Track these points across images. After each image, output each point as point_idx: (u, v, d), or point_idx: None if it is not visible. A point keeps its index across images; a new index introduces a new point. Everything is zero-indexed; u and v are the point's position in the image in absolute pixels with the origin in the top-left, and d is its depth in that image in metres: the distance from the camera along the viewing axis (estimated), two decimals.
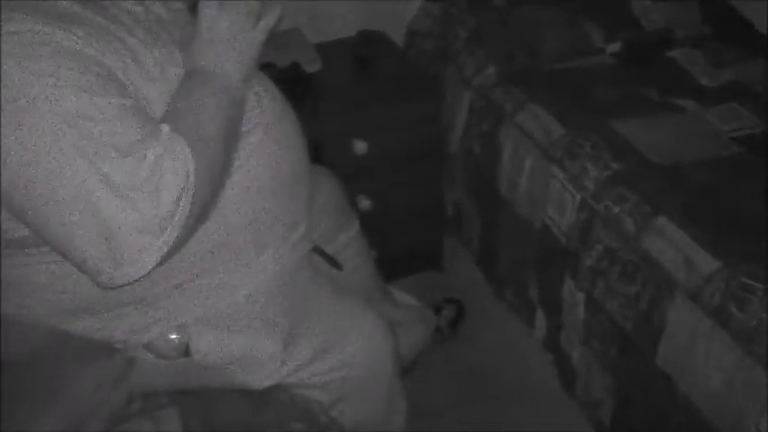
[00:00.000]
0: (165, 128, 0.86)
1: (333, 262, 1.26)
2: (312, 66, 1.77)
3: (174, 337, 1.03)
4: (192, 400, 1.05)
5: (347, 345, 1.13)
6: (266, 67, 1.58)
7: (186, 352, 1.03)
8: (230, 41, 0.95)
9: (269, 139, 1.05)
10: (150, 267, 0.85)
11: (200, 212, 0.91)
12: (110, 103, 0.82)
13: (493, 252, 1.77)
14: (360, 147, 1.70)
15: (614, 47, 1.80)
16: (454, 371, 1.69)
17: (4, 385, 0.88)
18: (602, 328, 1.41)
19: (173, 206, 0.84)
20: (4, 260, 0.94)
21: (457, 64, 1.85)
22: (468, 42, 1.85)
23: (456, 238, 1.95)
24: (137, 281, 0.86)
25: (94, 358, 0.97)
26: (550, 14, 1.84)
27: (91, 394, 0.93)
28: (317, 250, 1.23)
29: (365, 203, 1.75)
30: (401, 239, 1.81)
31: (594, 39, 1.81)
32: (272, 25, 0.99)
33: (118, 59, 0.86)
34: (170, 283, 0.99)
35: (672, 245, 1.27)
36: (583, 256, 1.42)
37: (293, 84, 1.63)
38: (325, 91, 1.73)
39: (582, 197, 1.43)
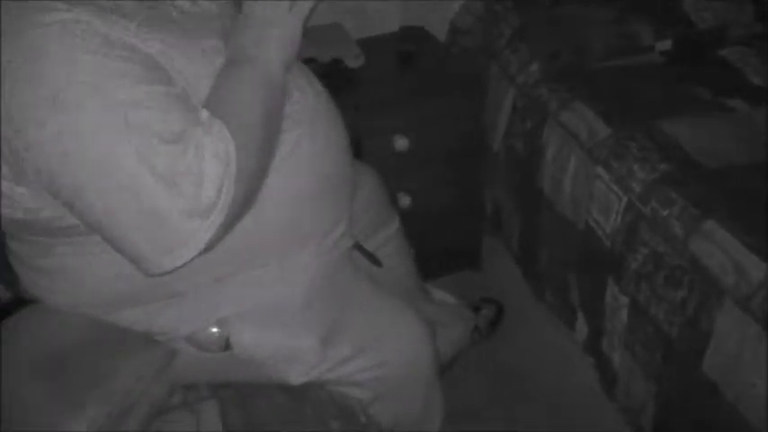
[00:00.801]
0: (204, 113, 0.86)
1: (373, 259, 1.26)
2: (354, 61, 1.77)
3: (214, 330, 1.04)
4: (231, 393, 1.06)
5: (386, 343, 1.13)
6: (308, 62, 1.58)
7: (227, 346, 1.04)
8: (266, 25, 0.94)
9: (312, 136, 1.04)
10: (196, 252, 0.86)
11: (246, 198, 0.90)
12: (154, 91, 0.83)
13: (533, 252, 1.75)
14: (401, 143, 1.69)
15: (664, 45, 1.76)
16: (492, 371, 1.67)
17: (50, 373, 0.90)
18: (645, 334, 1.38)
19: (216, 190, 0.84)
20: (51, 249, 0.96)
21: (500, 61, 1.83)
22: (512, 39, 1.83)
23: (495, 237, 1.93)
24: (182, 266, 0.87)
25: (137, 349, 0.99)
26: (598, 12, 1.80)
27: (133, 385, 0.94)
28: (358, 247, 1.23)
29: (405, 200, 1.74)
30: (440, 237, 1.80)
31: (643, 37, 1.77)
32: (309, 8, 0.98)
33: (164, 49, 0.87)
34: (211, 276, 1.00)
35: (721, 249, 1.23)
36: (628, 259, 1.39)
37: (335, 79, 1.62)
38: (366, 87, 1.73)
39: (628, 199, 1.40)
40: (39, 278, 1.01)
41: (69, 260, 0.97)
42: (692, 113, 1.54)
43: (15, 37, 0.79)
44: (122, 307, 1.01)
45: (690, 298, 1.26)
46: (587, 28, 1.76)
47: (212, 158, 0.84)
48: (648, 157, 1.42)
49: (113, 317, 1.01)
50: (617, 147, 1.47)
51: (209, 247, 0.86)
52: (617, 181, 1.43)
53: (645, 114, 1.53)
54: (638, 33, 1.78)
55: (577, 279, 1.58)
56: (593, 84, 1.64)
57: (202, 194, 0.83)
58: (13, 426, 0.82)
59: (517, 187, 1.78)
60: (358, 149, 1.48)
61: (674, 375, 1.33)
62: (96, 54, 0.80)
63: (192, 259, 0.86)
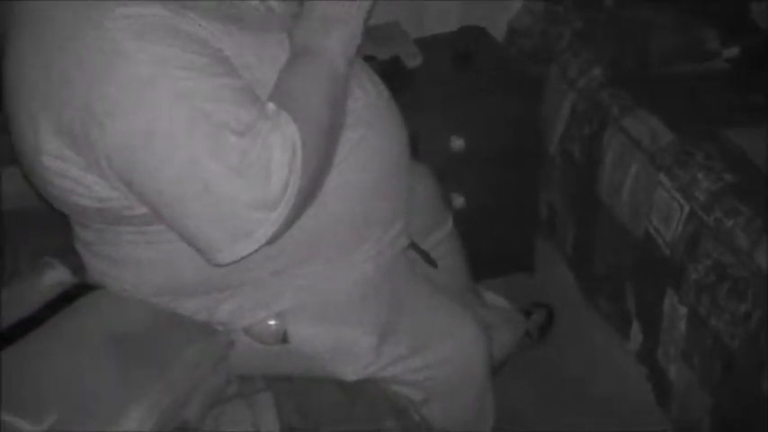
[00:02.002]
0: (271, 106, 0.87)
1: (429, 259, 1.26)
2: (412, 60, 1.76)
3: (273, 323, 1.05)
4: (286, 386, 1.07)
5: (442, 344, 1.12)
6: (367, 60, 1.59)
7: (284, 339, 1.05)
8: (328, 18, 0.95)
9: (373, 134, 1.05)
10: (261, 243, 0.87)
11: (310, 190, 0.91)
12: (223, 84, 0.84)
13: (588, 258, 1.72)
14: (457, 143, 1.68)
15: (731, 52, 1.71)
16: (541, 376, 1.65)
17: (113, 357, 0.91)
18: (704, 346, 1.34)
19: (284, 182, 0.85)
20: (118, 237, 0.98)
21: (560, 64, 1.80)
22: (572, 42, 1.80)
23: (548, 241, 1.91)
24: (247, 257, 0.88)
25: (197, 338, 1.00)
26: (662, 16, 1.77)
27: (193, 372, 0.95)
28: (414, 247, 1.23)
29: (459, 201, 1.73)
30: (493, 239, 1.78)
31: (709, 43, 1.73)
32: (370, 4, 0.98)
33: (232, 44, 0.88)
34: (270, 270, 1.01)
35: None
36: (688, 268, 1.36)
37: (393, 78, 1.62)
38: (424, 86, 1.73)
39: (691, 208, 1.37)
40: (104, 265, 1.04)
41: (135, 249, 0.99)
42: (760, 123, 1.50)
43: (92, 28, 0.81)
44: (184, 296, 1.03)
45: (753, 311, 1.23)
46: (651, 32, 1.73)
47: (280, 151, 0.85)
48: (713, 166, 1.39)
49: (175, 305, 1.03)
50: (681, 154, 1.44)
51: (273, 239, 0.87)
52: (680, 189, 1.40)
53: (710, 122, 1.50)
54: (704, 39, 1.74)
55: (634, 287, 1.55)
56: (656, 89, 1.61)
57: (270, 187, 0.84)
58: (71, 405, 0.83)
59: (573, 192, 1.76)
60: (414, 149, 1.47)
61: (733, 390, 1.30)
62: (169, 47, 0.82)
63: (257, 250, 0.87)
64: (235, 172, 0.82)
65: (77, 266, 1.10)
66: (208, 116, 0.82)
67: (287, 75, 0.92)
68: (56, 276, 1.05)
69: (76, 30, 0.82)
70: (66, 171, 0.88)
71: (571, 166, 1.74)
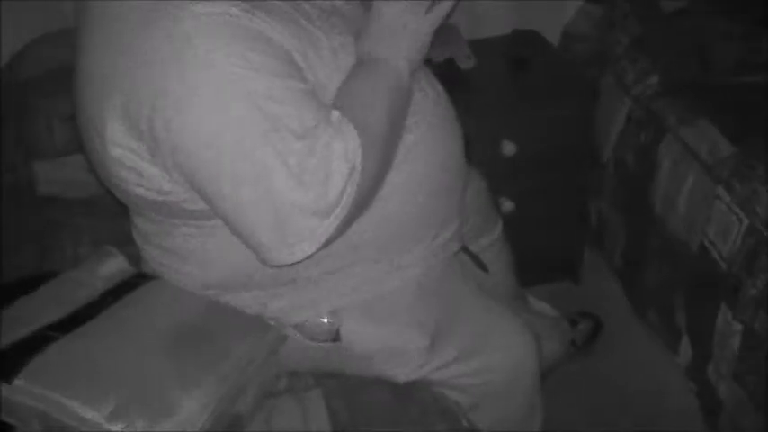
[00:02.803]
0: (336, 113, 0.87)
1: (480, 263, 1.25)
2: (466, 62, 1.75)
3: (325, 320, 1.05)
4: (335, 384, 1.07)
5: (492, 350, 1.12)
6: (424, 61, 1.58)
7: (336, 337, 1.05)
8: (397, 28, 0.95)
9: (431, 137, 1.05)
10: (315, 249, 0.87)
11: (365, 199, 0.92)
12: (290, 86, 0.85)
13: (637, 269, 1.69)
14: (508, 148, 1.66)
15: None
16: (586, 387, 1.63)
17: (168, 347, 0.93)
18: (759, 364, 1.31)
19: (340, 190, 0.85)
20: (176, 229, 1.00)
21: (616, 70, 1.77)
22: (630, 48, 1.77)
23: (596, 250, 1.88)
24: (300, 262, 0.89)
25: (250, 332, 1.01)
26: (725, 25, 1.72)
27: (246, 366, 0.96)
28: (465, 250, 1.22)
29: (507, 205, 1.72)
30: (540, 246, 1.76)
31: None
32: (442, 16, 0.98)
33: (299, 45, 0.89)
34: (323, 268, 1.01)
35: None
36: (746, 284, 1.32)
37: (447, 80, 1.62)
38: (477, 89, 1.71)
39: (750, 222, 1.34)
40: (161, 256, 1.05)
41: (192, 242, 1.00)
42: None
43: (163, 25, 0.82)
44: (238, 290, 1.04)
45: None
46: (713, 41, 1.69)
47: (340, 159, 0.85)
48: None
49: (228, 298, 1.04)
50: (741, 167, 1.40)
51: (325, 245, 0.88)
52: (739, 203, 1.37)
53: None
54: (766, 49, 1.69)
55: (685, 301, 1.52)
56: (717, 100, 1.57)
57: (327, 194, 0.85)
58: (130, 393, 0.85)
59: (625, 202, 1.73)
60: (466, 152, 1.47)
61: None
62: (239, 46, 0.82)
63: (309, 256, 0.88)
64: (293, 175, 0.83)
65: (134, 256, 1.12)
66: (271, 117, 0.82)
67: (352, 82, 0.92)
68: (115, 265, 1.07)
69: (147, 26, 0.83)
70: (131, 163, 0.90)
71: (624, 174, 1.71)
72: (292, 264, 0.89)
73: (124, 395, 0.83)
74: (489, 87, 1.73)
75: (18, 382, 0.82)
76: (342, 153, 0.85)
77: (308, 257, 0.88)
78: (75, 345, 0.88)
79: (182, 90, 0.82)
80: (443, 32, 1.82)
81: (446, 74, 1.68)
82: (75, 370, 0.85)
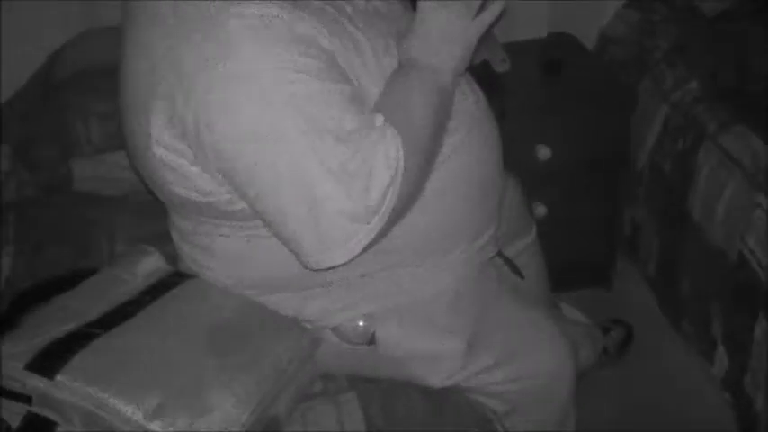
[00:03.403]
0: (380, 118, 0.87)
1: (515, 268, 1.24)
2: (501, 66, 1.74)
3: (361, 324, 1.05)
4: (370, 387, 1.07)
5: (529, 357, 1.10)
6: None
7: (371, 340, 1.05)
8: (444, 34, 0.94)
9: (470, 140, 1.04)
10: (355, 254, 0.87)
11: (405, 204, 0.91)
12: (333, 90, 0.84)
13: (672, 278, 1.67)
14: (543, 152, 1.65)
15: None
16: (617, 396, 1.60)
17: (208, 346, 0.93)
18: None
19: (381, 196, 0.85)
20: (216, 229, 1.00)
21: (654, 75, 1.75)
22: (668, 53, 1.75)
23: (629, 257, 1.85)
24: (340, 266, 0.88)
25: (288, 333, 1.01)
26: (765, 30, 1.69)
27: (284, 367, 0.96)
28: (500, 255, 1.21)
29: (540, 210, 1.70)
30: (572, 251, 1.74)
31: None
32: (490, 21, 0.97)
33: (341, 47, 0.88)
34: (359, 272, 1.01)
35: None
36: None
37: (482, 83, 1.61)
38: (511, 93, 1.70)
39: None
40: (199, 255, 1.05)
41: (230, 242, 1.00)
42: None
43: (208, 26, 0.82)
44: (274, 291, 1.04)
45: None
46: (755, 47, 1.66)
47: (382, 164, 0.84)
48: None
49: (264, 299, 1.04)
50: None
51: (364, 250, 0.87)
52: None
53: None
54: None
55: (722, 311, 1.49)
56: (759, 106, 1.54)
57: (368, 198, 0.84)
58: (171, 390, 0.85)
59: (660, 208, 1.71)
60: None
61: None
62: (283, 48, 0.82)
63: (349, 261, 0.87)
64: (335, 179, 0.82)
65: (169, 255, 1.12)
66: (314, 121, 0.82)
67: (395, 86, 0.92)
68: (152, 263, 1.08)
69: (193, 27, 0.83)
70: (174, 162, 0.90)
71: (660, 181, 1.69)
72: (330, 268, 0.88)
73: (164, 393, 0.84)
74: (524, 91, 1.72)
75: (60, 378, 0.82)
76: (384, 158, 0.84)
77: (348, 262, 0.88)
78: (116, 342, 0.89)
79: (225, 92, 0.82)
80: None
81: (481, 77, 1.67)
82: (117, 367, 0.86)
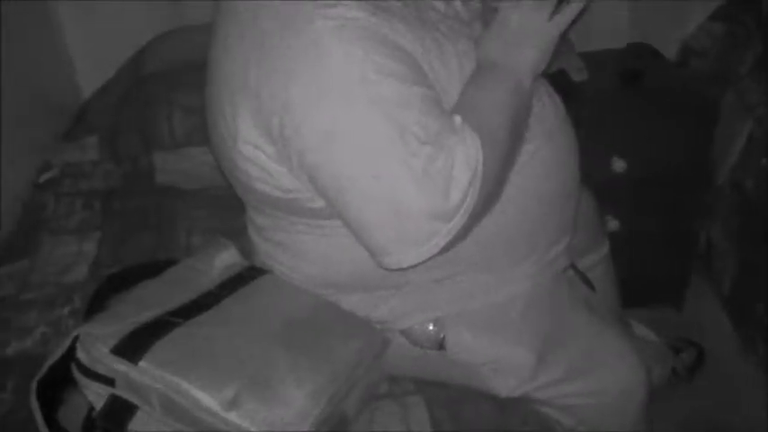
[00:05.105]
0: (458, 119, 0.87)
1: (587, 282, 1.22)
2: (578, 74, 1.72)
3: (431, 328, 1.05)
4: (437, 392, 1.06)
5: (600, 372, 1.08)
6: None
7: (441, 345, 1.05)
8: (522, 34, 0.94)
9: (548, 149, 1.03)
10: (434, 254, 0.87)
11: (484, 206, 0.91)
12: (416, 92, 0.85)
13: (749, 300, 1.61)
14: (618, 165, 1.62)
15: None
16: (685, 419, 1.56)
17: (283, 341, 0.94)
18: None
19: (462, 196, 0.85)
20: (293, 226, 1.01)
21: (738, 89, 1.70)
22: (755, 68, 1.69)
23: (703, 276, 1.80)
24: (415, 266, 0.89)
25: (360, 333, 1.01)
26: None
27: (354, 367, 0.97)
28: (573, 268, 1.19)
29: (613, 224, 1.67)
30: (643, 268, 1.70)
31: None
32: (569, 21, 0.96)
33: (424, 51, 0.89)
34: (431, 276, 1.01)
35: None
36: None
37: (558, 92, 1.59)
38: (588, 103, 1.67)
39: None
40: (274, 251, 1.07)
41: (307, 239, 1.01)
42: None
43: (295, 28, 0.84)
44: (347, 291, 1.04)
45: None
46: None
47: (463, 165, 0.84)
48: None
49: (336, 298, 1.05)
50: None
51: (444, 251, 0.87)
52: None
53: None
54: None
55: None
56: None
57: (449, 199, 0.84)
58: (248, 382, 0.86)
59: (739, 227, 1.65)
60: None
61: None
62: (368, 51, 0.83)
63: (426, 261, 0.87)
64: (417, 180, 0.83)
65: (244, 249, 1.14)
66: (397, 123, 0.83)
67: (474, 88, 0.92)
68: (229, 257, 1.10)
69: (280, 29, 0.85)
70: (258, 159, 0.92)
71: (741, 199, 1.63)
72: (408, 267, 0.89)
73: (240, 385, 0.85)
74: (601, 101, 1.69)
75: (143, 363, 0.85)
76: (464, 159, 0.85)
77: (424, 262, 0.88)
78: (195, 332, 0.91)
79: (311, 93, 0.84)
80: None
81: (558, 85, 1.66)
82: (196, 357, 0.87)
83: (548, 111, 1.05)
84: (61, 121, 1.74)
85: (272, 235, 1.06)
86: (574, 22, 0.98)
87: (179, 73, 1.58)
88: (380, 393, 1.06)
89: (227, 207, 1.30)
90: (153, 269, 1.06)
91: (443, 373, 1.07)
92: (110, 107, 1.63)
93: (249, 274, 1.06)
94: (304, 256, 1.04)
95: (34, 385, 0.90)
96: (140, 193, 1.45)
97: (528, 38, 0.95)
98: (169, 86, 1.57)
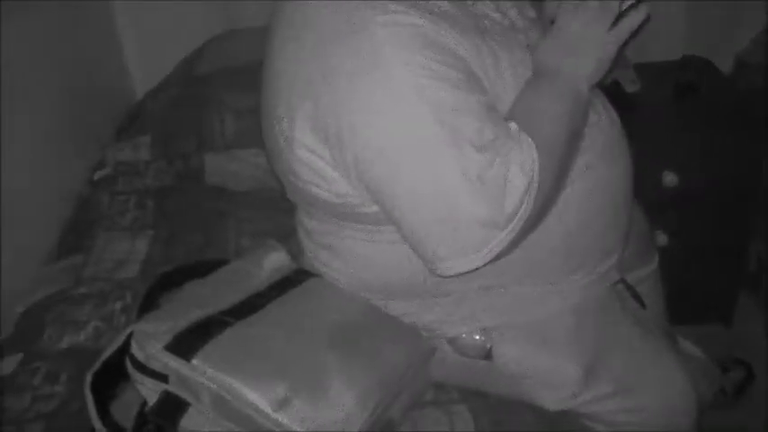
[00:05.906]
0: (514, 126, 0.87)
1: (637, 296, 1.20)
2: (630, 86, 1.70)
3: (478, 337, 1.04)
4: (481, 402, 1.06)
5: (650, 389, 1.07)
6: None
7: (488, 355, 1.04)
8: (579, 41, 0.93)
9: (603, 161, 1.02)
10: (485, 261, 0.87)
11: (539, 214, 0.90)
12: (472, 99, 0.85)
13: None
14: (670, 179, 1.59)
15: None
16: None
17: (333, 344, 0.94)
18: None
19: (517, 204, 0.84)
20: (342, 231, 1.02)
21: None
22: None
23: (753, 294, 1.76)
24: (467, 274, 0.88)
25: (408, 339, 1.02)
26: None
27: (403, 372, 0.97)
28: (623, 282, 1.17)
29: (662, 239, 1.64)
30: (692, 284, 1.67)
31: None
32: (632, 28, 0.95)
33: (479, 59, 0.89)
34: (479, 284, 1.00)
35: None
36: None
37: (612, 103, 1.57)
38: (640, 115, 1.65)
39: None
40: (323, 254, 1.08)
41: (356, 244, 1.02)
42: None
43: (352, 34, 0.84)
44: (395, 297, 1.05)
45: None
46: None
47: (518, 172, 0.84)
48: None
49: (383, 304, 1.05)
50: None
51: (497, 258, 0.87)
52: None
53: None
54: None
55: None
56: None
57: (504, 206, 0.84)
58: (298, 383, 0.87)
59: None
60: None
61: None
62: (425, 58, 0.83)
63: (479, 268, 0.87)
64: (472, 186, 0.83)
65: (291, 252, 1.15)
66: (453, 129, 0.83)
67: (530, 95, 0.91)
68: (278, 259, 1.11)
69: (337, 35, 0.85)
70: (314, 163, 0.93)
71: None
72: (460, 274, 0.89)
73: (290, 386, 0.86)
74: (654, 113, 1.67)
75: (195, 361, 0.86)
76: (520, 166, 0.84)
77: (476, 269, 0.88)
78: (246, 332, 0.92)
79: (369, 99, 0.84)
80: None
81: (611, 96, 1.64)
82: (247, 356, 0.88)
83: (604, 123, 1.04)
84: (115, 121, 1.78)
85: (321, 238, 1.07)
86: (633, 34, 0.97)
87: (231, 75, 1.60)
88: (425, 400, 1.06)
89: (277, 209, 1.31)
90: (203, 269, 1.08)
91: (488, 382, 1.07)
92: (163, 107, 1.66)
93: (297, 277, 1.07)
94: (353, 260, 1.04)
95: (89, 377, 0.91)
96: (191, 194, 1.48)
97: (587, 47, 0.94)
98: (223, 87, 1.60)
